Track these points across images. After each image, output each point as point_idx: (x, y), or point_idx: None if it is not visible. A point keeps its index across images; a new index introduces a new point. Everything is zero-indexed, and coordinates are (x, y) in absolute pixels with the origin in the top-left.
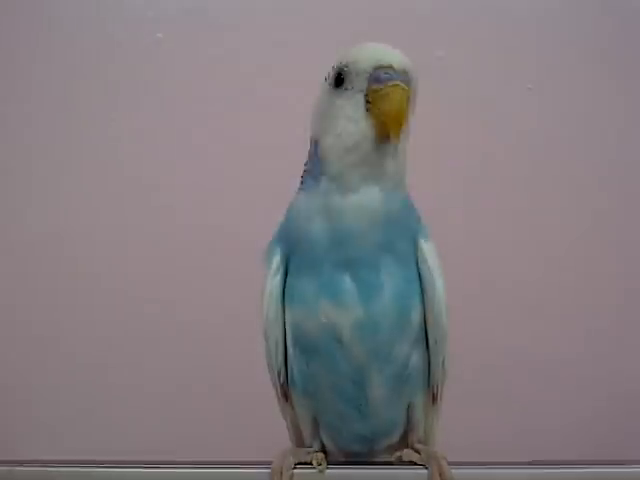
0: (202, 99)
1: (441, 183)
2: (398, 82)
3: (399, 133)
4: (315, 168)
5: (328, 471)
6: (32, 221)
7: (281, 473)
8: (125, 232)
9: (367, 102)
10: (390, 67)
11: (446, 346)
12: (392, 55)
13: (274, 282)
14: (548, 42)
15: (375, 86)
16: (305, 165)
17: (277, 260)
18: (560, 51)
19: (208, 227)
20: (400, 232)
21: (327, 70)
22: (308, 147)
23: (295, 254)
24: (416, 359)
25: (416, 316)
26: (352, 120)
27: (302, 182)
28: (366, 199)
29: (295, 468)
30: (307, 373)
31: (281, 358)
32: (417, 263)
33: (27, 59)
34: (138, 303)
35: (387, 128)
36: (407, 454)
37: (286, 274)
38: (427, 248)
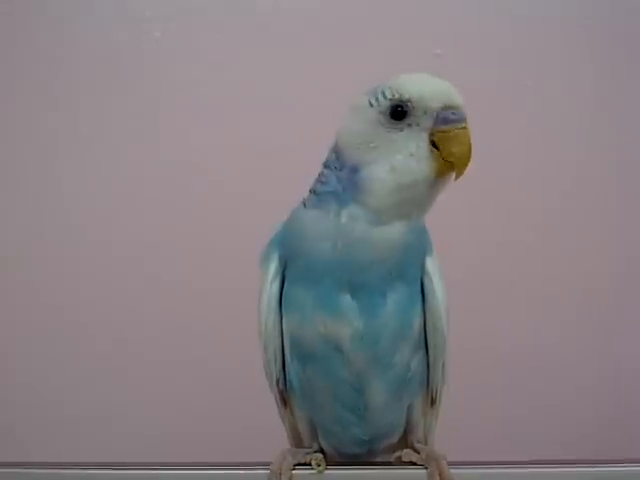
0: (200, 99)
1: None
2: (465, 124)
3: (464, 173)
4: (346, 193)
5: (327, 472)
6: (29, 220)
7: (280, 474)
8: (124, 233)
9: (431, 141)
10: (458, 108)
11: (446, 350)
12: (458, 94)
13: (272, 290)
14: (546, 39)
15: (444, 127)
16: (321, 183)
17: (275, 266)
18: (558, 48)
19: (208, 226)
20: (413, 258)
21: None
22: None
23: (293, 262)
24: (416, 363)
25: (417, 323)
26: (414, 158)
27: (318, 199)
28: (392, 232)
29: (294, 469)
30: (305, 379)
31: (279, 365)
32: (421, 276)
33: (23, 58)
34: (140, 305)
35: (454, 169)
36: (406, 454)
37: (283, 279)
38: (431, 263)
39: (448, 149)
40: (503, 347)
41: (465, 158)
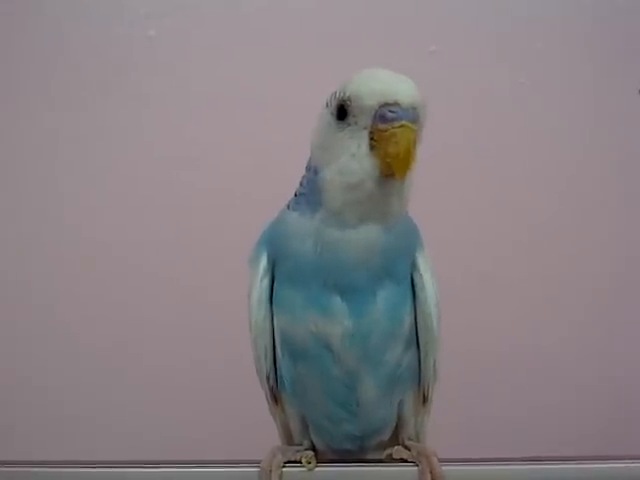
0: (195, 96)
1: (434, 178)
2: (404, 122)
3: (406, 174)
4: (313, 196)
5: (317, 469)
6: (27, 218)
7: (270, 472)
8: (121, 232)
9: (371, 139)
10: (396, 104)
11: (437, 348)
12: (399, 90)
13: (262, 287)
14: (541, 37)
15: (381, 126)
16: (301, 185)
17: (264, 264)
18: (552, 46)
19: (206, 224)
20: (399, 256)
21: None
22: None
23: (281, 262)
24: (408, 360)
25: (408, 320)
26: (355, 158)
27: (296, 202)
28: (364, 236)
29: (284, 467)
30: (296, 377)
31: (270, 362)
32: (411, 273)
33: (19, 56)
34: (139, 304)
35: (393, 169)
36: (397, 451)
37: (273, 278)
38: (422, 260)
39: (384, 149)
40: (503, 347)
41: (401, 159)
